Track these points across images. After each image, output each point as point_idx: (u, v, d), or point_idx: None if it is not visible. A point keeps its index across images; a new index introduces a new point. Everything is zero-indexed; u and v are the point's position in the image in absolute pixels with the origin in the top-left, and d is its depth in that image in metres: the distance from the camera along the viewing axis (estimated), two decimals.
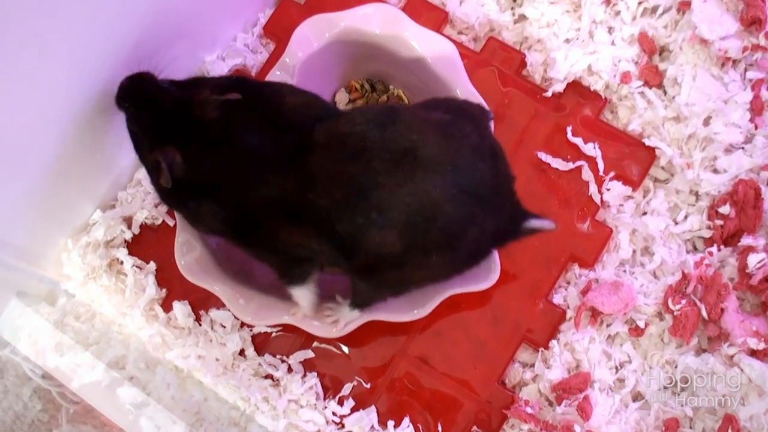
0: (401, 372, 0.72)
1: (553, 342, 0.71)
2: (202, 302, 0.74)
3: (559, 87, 0.76)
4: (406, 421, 0.71)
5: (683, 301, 0.69)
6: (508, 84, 0.77)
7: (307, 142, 0.57)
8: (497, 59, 0.78)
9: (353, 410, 0.71)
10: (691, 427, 0.67)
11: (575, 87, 0.77)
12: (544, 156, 0.75)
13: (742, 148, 0.73)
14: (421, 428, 0.71)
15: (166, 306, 0.75)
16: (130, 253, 0.76)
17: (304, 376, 0.73)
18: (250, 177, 0.57)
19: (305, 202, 0.57)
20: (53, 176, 0.66)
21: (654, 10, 0.78)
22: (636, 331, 0.71)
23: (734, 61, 0.74)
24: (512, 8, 0.81)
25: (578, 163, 0.75)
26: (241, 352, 0.73)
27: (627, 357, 0.71)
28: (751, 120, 0.73)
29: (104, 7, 0.59)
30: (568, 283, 0.74)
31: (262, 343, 0.74)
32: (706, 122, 0.74)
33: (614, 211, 0.75)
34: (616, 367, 0.70)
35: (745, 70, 0.74)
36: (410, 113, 0.59)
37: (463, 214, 0.56)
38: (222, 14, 0.78)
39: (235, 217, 0.60)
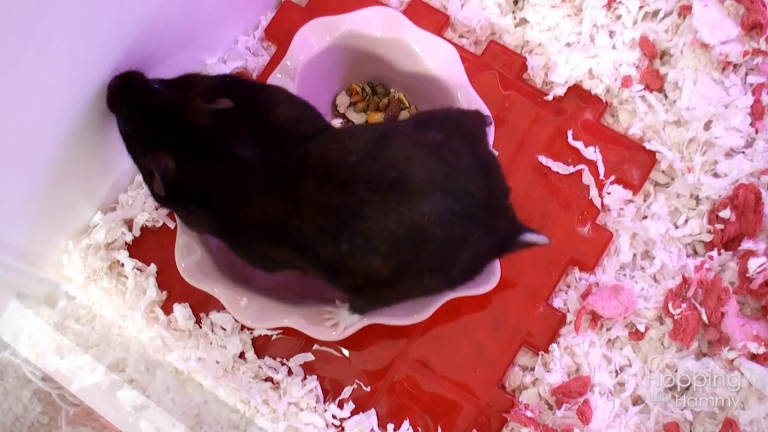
0: (401, 375, 0.72)
1: (553, 346, 0.71)
2: (202, 305, 0.74)
3: (559, 91, 0.76)
4: (406, 424, 0.71)
5: (683, 305, 0.69)
6: (509, 87, 0.77)
7: (295, 164, 0.57)
8: (498, 63, 0.78)
9: (353, 413, 0.71)
10: (691, 431, 0.67)
11: (576, 91, 0.77)
12: (544, 160, 0.75)
13: (743, 152, 0.73)
14: (420, 431, 0.71)
15: (167, 308, 0.75)
16: (131, 256, 0.76)
17: (304, 378, 0.72)
18: (238, 192, 0.58)
19: (290, 227, 0.57)
20: (54, 178, 0.66)
21: (655, 14, 0.78)
22: (636, 335, 0.71)
23: (735, 66, 0.74)
24: (513, 12, 0.81)
25: (579, 166, 0.75)
26: (242, 355, 0.73)
27: (627, 361, 0.71)
28: (752, 124, 0.73)
29: (105, 8, 0.59)
30: (569, 286, 0.74)
31: (262, 346, 0.74)
32: (707, 126, 0.74)
33: (615, 215, 0.75)
34: (616, 371, 0.70)
35: (746, 74, 0.75)
36: (403, 137, 0.58)
37: (455, 236, 0.56)
38: (223, 17, 0.78)
39: (222, 227, 0.61)
